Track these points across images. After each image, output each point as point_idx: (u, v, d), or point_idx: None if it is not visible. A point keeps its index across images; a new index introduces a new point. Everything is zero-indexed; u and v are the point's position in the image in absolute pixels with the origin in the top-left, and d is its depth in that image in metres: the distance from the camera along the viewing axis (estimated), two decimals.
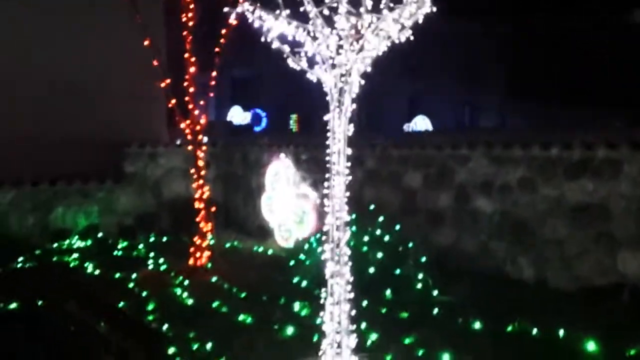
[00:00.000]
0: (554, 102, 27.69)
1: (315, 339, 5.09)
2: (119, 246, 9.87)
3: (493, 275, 7.48)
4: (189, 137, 7.98)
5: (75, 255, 9.23)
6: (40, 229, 10.17)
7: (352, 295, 4.59)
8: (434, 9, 3.96)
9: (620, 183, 6.60)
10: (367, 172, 9.13)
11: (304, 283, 7.31)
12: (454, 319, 5.94)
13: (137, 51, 9.54)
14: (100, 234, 10.39)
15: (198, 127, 7.91)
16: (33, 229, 10.13)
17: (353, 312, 4.59)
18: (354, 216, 8.31)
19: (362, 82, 4.51)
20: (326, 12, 4.08)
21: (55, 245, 9.86)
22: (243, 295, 6.98)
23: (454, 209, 8.08)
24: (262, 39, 4.32)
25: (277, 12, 4.22)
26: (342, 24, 4.05)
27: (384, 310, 6.28)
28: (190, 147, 8.10)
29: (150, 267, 8.49)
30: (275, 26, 4.31)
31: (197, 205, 8.16)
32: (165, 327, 5.86)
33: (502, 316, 5.92)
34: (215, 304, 6.54)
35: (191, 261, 8.16)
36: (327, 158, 4.56)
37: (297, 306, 6.42)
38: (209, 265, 8.16)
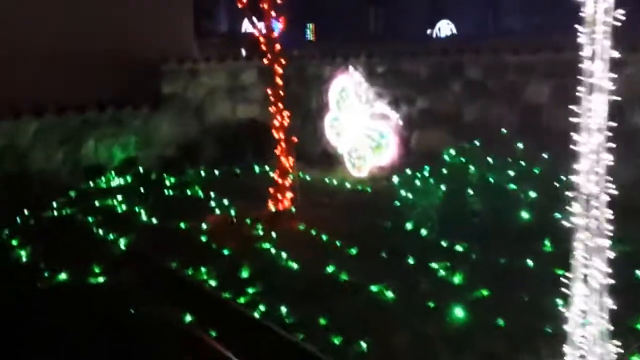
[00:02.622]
0: None
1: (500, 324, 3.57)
2: (167, 183, 8.27)
3: None
4: (263, 47, 6.18)
5: (118, 196, 7.65)
6: (71, 166, 8.55)
7: (610, 280, 3.03)
8: None
9: None
10: (469, 83, 7.42)
11: (423, 232, 5.73)
12: None
13: None
14: (140, 169, 8.78)
15: (274, 35, 6.10)
16: (63, 165, 8.50)
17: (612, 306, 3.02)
18: (476, 142, 6.80)
19: None
20: None
21: (90, 184, 8.30)
22: (354, 251, 5.42)
23: None
24: None
25: None
26: None
27: (559, 271, 4.73)
28: (265, 61, 6.29)
29: (217, 211, 6.90)
30: None
31: (275, 134, 6.48)
32: (282, 309, 4.32)
33: None
34: (329, 269, 4.98)
35: (271, 205, 6.56)
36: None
37: (439, 269, 4.87)
38: (293, 209, 6.58)
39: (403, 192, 6.63)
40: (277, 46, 6.16)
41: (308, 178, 8.41)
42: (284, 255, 5.34)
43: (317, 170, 8.76)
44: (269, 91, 6.38)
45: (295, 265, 5.15)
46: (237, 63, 9.90)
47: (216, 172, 8.78)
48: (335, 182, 8.12)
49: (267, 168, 8.63)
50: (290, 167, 6.58)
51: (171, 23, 10.03)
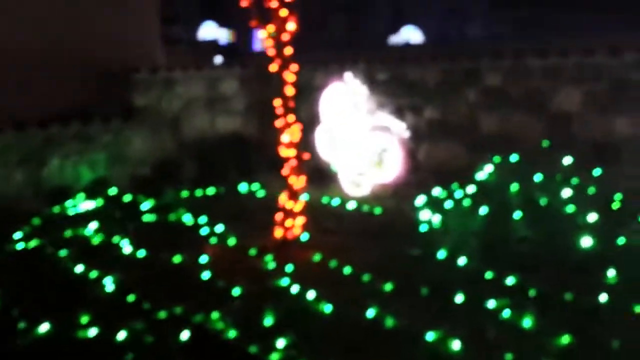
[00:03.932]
0: (543, 8, 25.45)
1: None
2: (144, 206, 7.32)
3: None
4: (272, 50, 5.35)
5: (91, 224, 6.66)
6: (33, 189, 7.52)
7: None
8: None
9: None
10: (487, 91, 6.77)
11: (462, 261, 4.99)
12: None
13: None
14: (111, 190, 7.80)
15: (285, 37, 5.29)
16: (23, 188, 7.47)
17: None
18: (515, 157, 6.11)
19: None
20: None
21: (56, 209, 7.28)
22: (389, 287, 4.64)
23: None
24: None
25: None
26: None
27: (638, 308, 4.07)
28: (274, 66, 5.45)
29: (212, 240, 6.02)
30: None
31: (284, 152, 5.66)
32: None
33: None
34: (370, 312, 4.18)
35: (278, 232, 5.72)
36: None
37: (500, 309, 4.14)
38: (304, 237, 5.76)
39: (426, 215, 5.91)
40: (288, 50, 5.34)
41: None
42: (309, 294, 4.51)
43: (309, 188, 7.96)
44: (279, 102, 5.52)
45: (327, 308, 4.33)
46: (217, 71, 9.07)
47: (198, 193, 7.92)
48: (335, 202, 7.34)
49: (254, 187, 7.83)
50: (302, 189, 5.77)
51: (137, 29, 9.15)
